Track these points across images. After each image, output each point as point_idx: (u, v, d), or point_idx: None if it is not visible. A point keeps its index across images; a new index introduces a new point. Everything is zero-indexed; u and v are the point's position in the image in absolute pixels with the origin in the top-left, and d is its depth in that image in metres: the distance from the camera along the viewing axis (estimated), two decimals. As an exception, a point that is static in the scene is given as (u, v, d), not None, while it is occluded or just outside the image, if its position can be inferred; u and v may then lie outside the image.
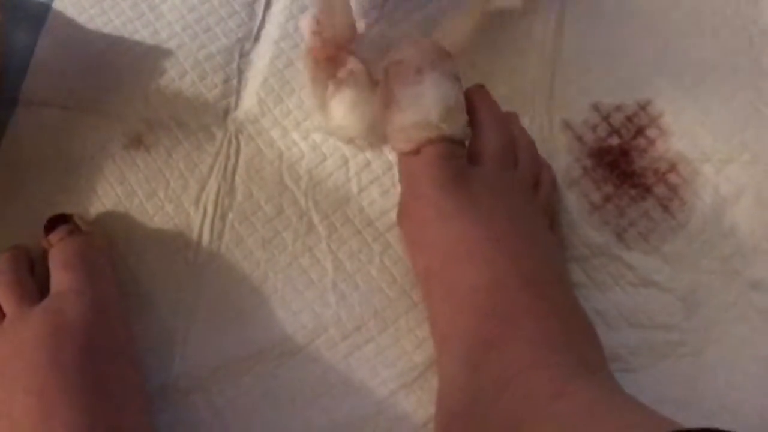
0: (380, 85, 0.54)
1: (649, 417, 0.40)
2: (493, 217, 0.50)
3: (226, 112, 0.61)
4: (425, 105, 0.51)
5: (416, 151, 0.52)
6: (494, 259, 0.48)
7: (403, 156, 0.53)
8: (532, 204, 0.53)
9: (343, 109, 0.56)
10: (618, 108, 0.59)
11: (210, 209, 0.58)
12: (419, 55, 0.52)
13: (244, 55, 0.64)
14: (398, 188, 0.56)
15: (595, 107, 0.59)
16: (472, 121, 0.54)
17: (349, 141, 0.58)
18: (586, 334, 0.49)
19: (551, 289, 0.49)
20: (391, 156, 0.58)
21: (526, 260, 0.49)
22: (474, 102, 0.55)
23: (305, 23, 0.58)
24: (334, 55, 0.57)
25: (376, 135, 0.57)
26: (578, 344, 0.47)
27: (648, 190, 0.56)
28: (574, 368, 0.44)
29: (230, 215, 0.58)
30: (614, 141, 0.58)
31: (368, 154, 0.58)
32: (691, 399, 0.51)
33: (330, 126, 0.58)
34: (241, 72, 0.63)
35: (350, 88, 0.56)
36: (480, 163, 0.53)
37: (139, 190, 0.59)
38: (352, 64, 0.56)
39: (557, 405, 0.42)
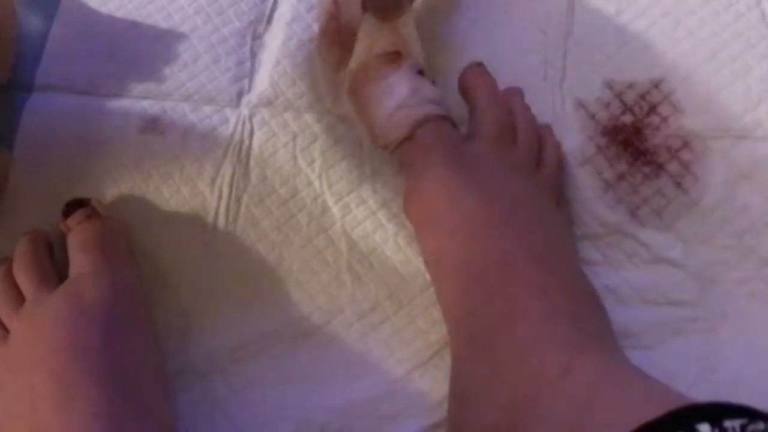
0: (351, 99, 0.55)
1: (659, 391, 0.40)
2: (495, 194, 0.50)
3: (240, 95, 0.62)
4: (400, 92, 0.52)
5: (410, 136, 0.52)
6: (500, 237, 0.49)
7: (399, 148, 0.53)
8: (533, 180, 0.53)
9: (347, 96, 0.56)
10: (631, 85, 0.59)
11: (225, 192, 0.58)
12: (379, 59, 0.54)
13: (257, 37, 0.64)
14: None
15: (608, 85, 0.59)
16: (469, 101, 0.55)
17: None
18: (595, 309, 0.49)
19: (558, 265, 0.49)
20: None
21: (531, 237, 0.49)
22: (470, 81, 0.55)
23: (323, 5, 0.58)
24: (348, 41, 0.57)
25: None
26: (587, 319, 0.47)
27: (661, 167, 0.56)
28: (584, 343, 0.45)
29: (245, 198, 0.58)
30: (627, 119, 0.58)
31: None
32: (705, 375, 0.51)
33: (339, 110, 0.58)
34: (254, 54, 0.63)
35: None
36: (477, 142, 0.53)
37: (155, 173, 0.59)
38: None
39: (567, 381, 0.42)
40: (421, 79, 0.54)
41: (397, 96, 0.52)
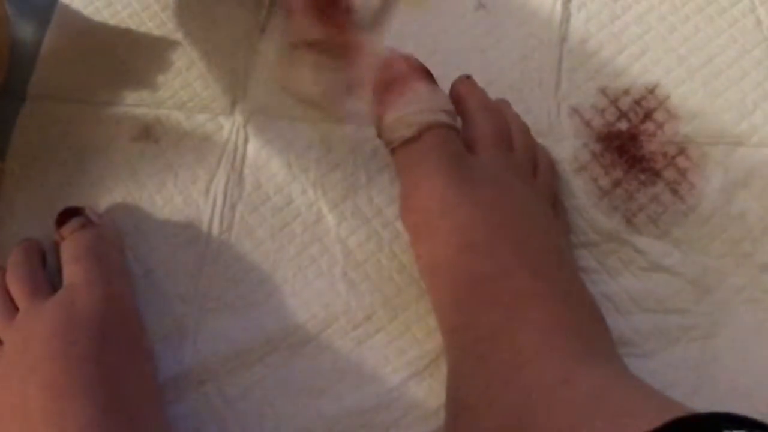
0: (374, 89, 0.54)
1: (658, 401, 0.40)
2: (494, 203, 0.50)
3: (234, 103, 0.61)
4: (420, 99, 0.52)
5: (416, 137, 0.52)
6: (497, 246, 0.48)
7: (401, 147, 0.52)
8: (531, 188, 0.53)
9: (306, 73, 0.56)
10: (626, 92, 0.59)
11: (219, 200, 0.58)
12: (409, 70, 0.54)
13: (251, 45, 0.64)
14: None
15: (603, 91, 0.59)
16: (462, 111, 0.54)
17: (306, 103, 0.58)
18: (593, 318, 0.49)
19: (556, 274, 0.49)
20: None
21: (529, 246, 0.49)
22: (461, 92, 0.55)
23: None
24: (314, 18, 0.56)
25: (332, 103, 0.56)
26: (585, 328, 0.47)
27: (657, 174, 0.56)
28: (582, 353, 0.44)
29: (239, 206, 0.58)
30: (623, 125, 0.58)
31: (377, 143, 0.58)
32: (703, 383, 0.51)
33: (289, 87, 0.58)
34: (248, 62, 0.63)
35: (318, 54, 0.56)
36: (476, 151, 0.53)
37: (149, 182, 0.59)
38: (327, 32, 0.56)
39: (566, 390, 0.42)
40: (439, 89, 0.54)
41: (415, 103, 0.52)
